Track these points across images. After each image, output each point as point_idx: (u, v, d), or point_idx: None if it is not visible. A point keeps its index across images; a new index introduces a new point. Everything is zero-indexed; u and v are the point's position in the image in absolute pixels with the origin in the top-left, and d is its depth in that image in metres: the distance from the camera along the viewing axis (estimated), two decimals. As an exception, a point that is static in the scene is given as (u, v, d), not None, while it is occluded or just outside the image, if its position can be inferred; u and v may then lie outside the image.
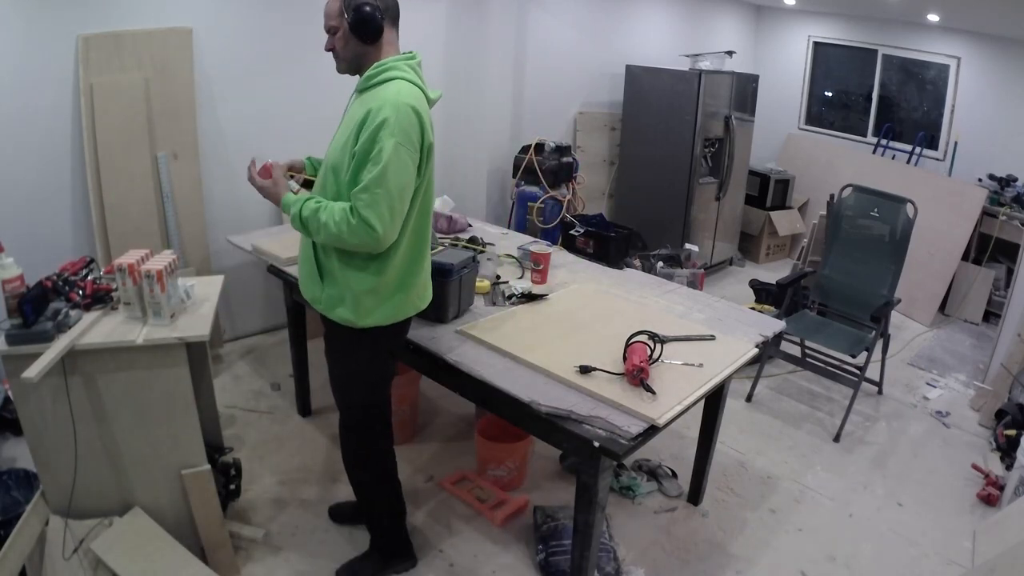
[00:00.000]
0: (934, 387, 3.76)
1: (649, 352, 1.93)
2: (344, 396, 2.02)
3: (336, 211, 1.67)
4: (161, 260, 1.91)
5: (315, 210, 1.70)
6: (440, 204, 3.09)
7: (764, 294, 4.23)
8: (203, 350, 2.27)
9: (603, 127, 5.28)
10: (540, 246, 2.82)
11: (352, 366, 1.95)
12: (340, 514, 2.42)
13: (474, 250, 2.66)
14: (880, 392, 3.57)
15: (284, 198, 1.80)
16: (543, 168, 4.21)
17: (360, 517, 2.32)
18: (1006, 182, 4.83)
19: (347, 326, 1.83)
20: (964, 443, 3.21)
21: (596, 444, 1.67)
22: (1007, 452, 3.00)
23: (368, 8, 1.69)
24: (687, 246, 4.48)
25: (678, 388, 1.86)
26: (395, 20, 1.80)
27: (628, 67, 5.04)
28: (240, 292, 3.67)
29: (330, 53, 1.81)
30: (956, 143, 5.23)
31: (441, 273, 2.12)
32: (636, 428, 1.69)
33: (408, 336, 2.06)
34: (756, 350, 2.19)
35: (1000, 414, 3.26)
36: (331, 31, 1.76)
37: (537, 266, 2.64)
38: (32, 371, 1.63)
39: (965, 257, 4.70)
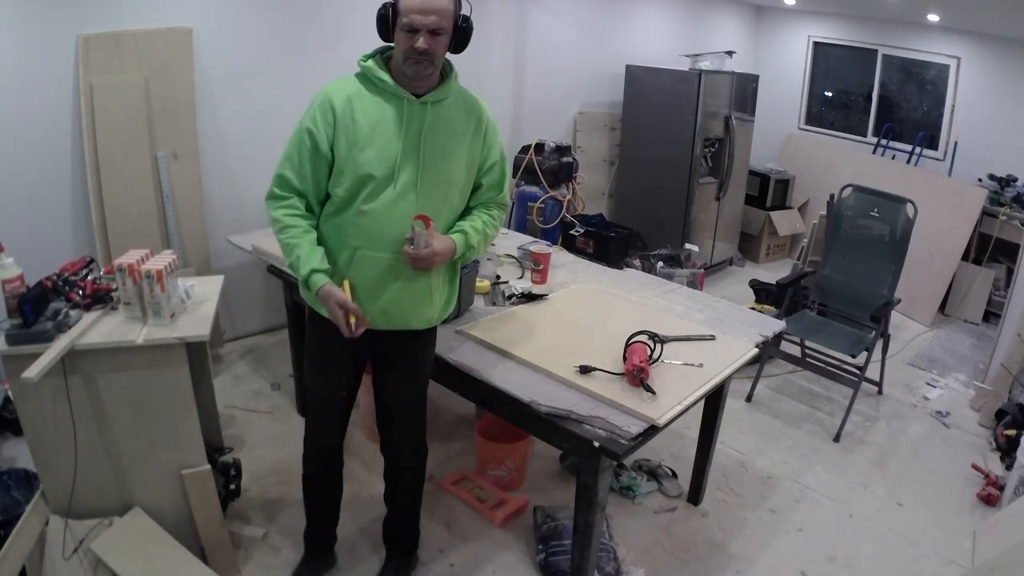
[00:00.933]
0: (934, 387, 3.76)
1: (649, 352, 1.93)
2: (423, 407, 2.02)
3: (483, 222, 1.81)
4: (161, 260, 1.91)
5: (479, 231, 1.78)
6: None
7: (764, 294, 4.23)
8: (203, 350, 2.27)
9: (603, 127, 5.28)
10: (540, 246, 2.82)
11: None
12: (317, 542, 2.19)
13: (474, 250, 2.66)
14: (880, 392, 3.57)
15: (456, 246, 1.73)
16: (543, 168, 4.21)
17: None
18: (1006, 182, 4.83)
19: (433, 327, 1.91)
20: (964, 443, 3.21)
21: (596, 444, 1.67)
22: (1007, 452, 3.00)
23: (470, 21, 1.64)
24: (687, 246, 4.48)
25: (678, 388, 1.86)
26: None
27: (628, 67, 5.04)
28: (240, 292, 3.67)
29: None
30: (956, 143, 5.23)
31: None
32: (636, 428, 1.69)
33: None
34: (756, 350, 2.19)
35: (1000, 414, 3.26)
36: (438, 32, 1.55)
37: (537, 266, 2.64)
38: (32, 371, 1.63)
39: (965, 257, 4.70)
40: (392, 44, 1.64)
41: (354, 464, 2.74)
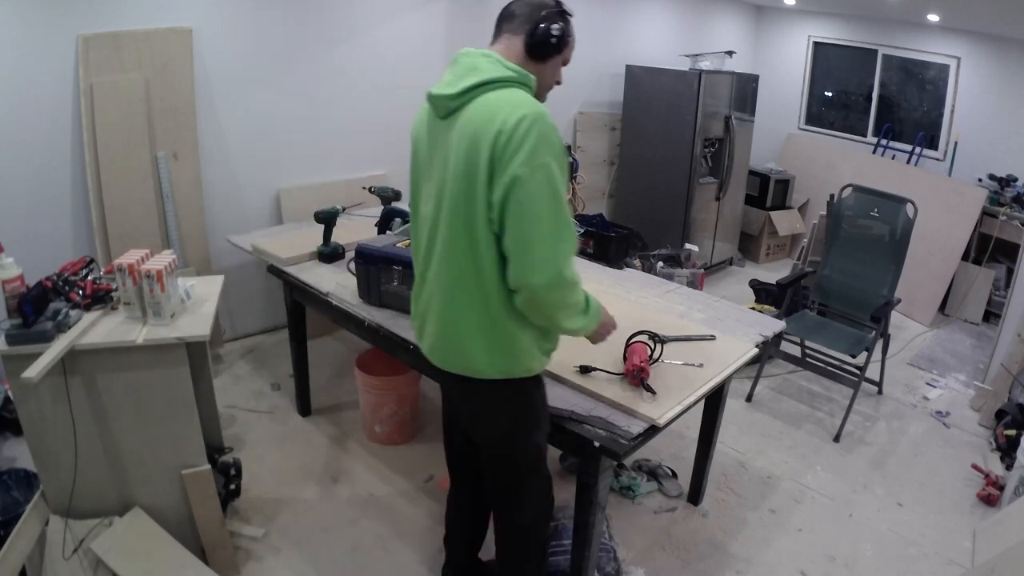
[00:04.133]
0: (934, 387, 3.76)
1: (649, 352, 1.93)
2: None
3: None
4: (161, 260, 1.91)
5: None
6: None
7: (764, 294, 4.23)
8: (203, 350, 2.27)
9: (603, 127, 5.28)
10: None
11: None
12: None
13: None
14: (880, 392, 3.57)
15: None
16: (543, 168, 4.20)
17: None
18: (1006, 182, 4.84)
19: None
20: (964, 443, 3.21)
21: (596, 444, 1.67)
22: (1007, 452, 3.00)
23: None
24: (687, 246, 4.48)
25: (678, 388, 1.85)
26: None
27: (628, 67, 5.04)
28: (240, 292, 3.67)
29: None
30: (956, 143, 5.23)
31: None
32: (636, 428, 1.69)
33: (406, 336, 2.06)
34: (756, 350, 2.18)
35: (1000, 414, 3.26)
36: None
37: (537, 266, 2.63)
38: (32, 371, 1.63)
39: (965, 257, 4.70)
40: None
41: (356, 465, 2.75)
